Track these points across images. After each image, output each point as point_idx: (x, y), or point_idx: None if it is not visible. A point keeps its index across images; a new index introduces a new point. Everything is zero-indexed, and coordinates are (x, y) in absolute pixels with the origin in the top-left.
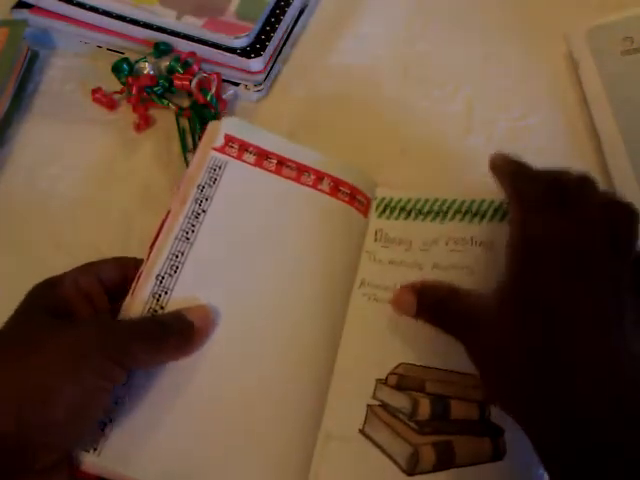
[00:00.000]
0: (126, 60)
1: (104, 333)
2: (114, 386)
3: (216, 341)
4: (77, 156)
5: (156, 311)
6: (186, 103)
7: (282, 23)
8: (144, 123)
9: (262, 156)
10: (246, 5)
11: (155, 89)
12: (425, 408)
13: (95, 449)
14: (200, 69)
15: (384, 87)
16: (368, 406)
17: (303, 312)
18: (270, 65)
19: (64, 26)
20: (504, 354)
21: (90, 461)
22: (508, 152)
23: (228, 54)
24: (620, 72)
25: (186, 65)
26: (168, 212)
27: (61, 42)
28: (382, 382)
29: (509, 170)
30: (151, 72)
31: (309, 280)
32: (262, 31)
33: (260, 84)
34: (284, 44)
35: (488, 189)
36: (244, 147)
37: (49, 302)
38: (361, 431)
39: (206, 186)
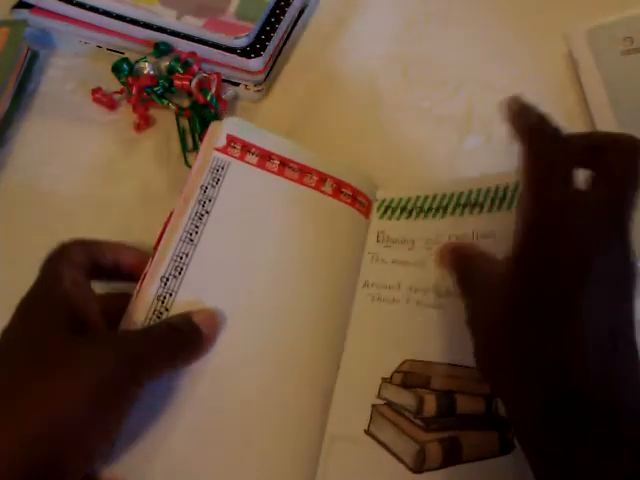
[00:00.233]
0: (126, 60)
1: (123, 354)
2: None
3: (219, 343)
4: (77, 156)
5: (161, 313)
6: (186, 103)
7: (282, 23)
8: (144, 123)
9: (265, 157)
10: (246, 5)
11: (155, 89)
12: (431, 404)
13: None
14: (200, 69)
15: (384, 87)
16: (373, 406)
17: (306, 313)
18: (270, 65)
19: (64, 26)
20: (504, 317)
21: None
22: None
23: (228, 54)
24: (620, 72)
25: (186, 65)
26: (171, 213)
27: (61, 42)
28: (387, 381)
29: (528, 124)
30: (151, 72)
31: (312, 281)
32: (262, 31)
33: (260, 84)
34: (284, 44)
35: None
36: (246, 148)
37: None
38: (366, 431)
39: (209, 187)
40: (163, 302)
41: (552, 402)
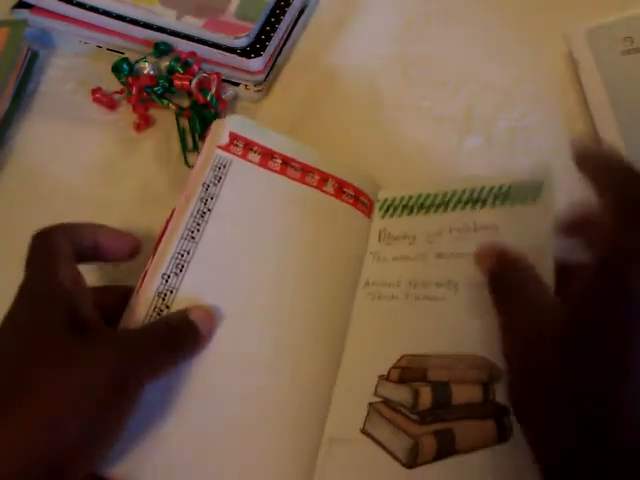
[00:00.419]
0: (126, 60)
1: (124, 355)
2: None
3: (218, 342)
4: (77, 156)
5: (162, 310)
6: (186, 103)
7: (282, 23)
8: (144, 123)
9: (267, 156)
10: (246, 5)
11: (155, 89)
12: (426, 397)
13: None
14: (200, 69)
15: (384, 87)
16: (370, 404)
17: (307, 313)
18: (270, 65)
19: (64, 26)
20: (551, 352)
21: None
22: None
23: (228, 54)
24: (620, 72)
25: (186, 65)
26: (173, 211)
27: (61, 42)
28: (384, 378)
29: (603, 165)
30: (151, 72)
31: (313, 281)
32: (262, 31)
33: (260, 84)
34: (284, 44)
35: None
36: (249, 146)
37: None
38: (362, 430)
39: (211, 185)
40: (164, 299)
41: (587, 457)
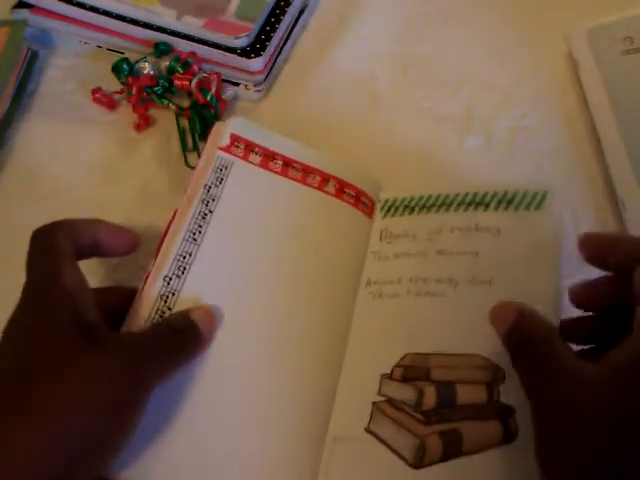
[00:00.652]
0: (126, 60)
1: (130, 360)
2: None
3: (221, 343)
4: (77, 156)
5: (164, 312)
6: (186, 103)
7: (282, 23)
8: (144, 123)
9: (268, 157)
10: (246, 5)
11: (155, 89)
12: (431, 396)
13: None
14: (200, 69)
15: (384, 87)
16: (373, 403)
17: (309, 313)
18: (270, 65)
19: (64, 26)
20: (588, 425)
21: None
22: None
23: (228, 54)
24: (620, 72)
25: (186, 65)
26: (175, 212)
27: (61, 42)
28: (387, 376)
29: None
30: (151, 72)
31: (314, 281)
32: (262, 31)
33: (260, 84)
34: (284, 44)
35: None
36: (250, 147)
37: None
38: (367, 429)
39: (212, 186)
40: (166, 301)
41: None
